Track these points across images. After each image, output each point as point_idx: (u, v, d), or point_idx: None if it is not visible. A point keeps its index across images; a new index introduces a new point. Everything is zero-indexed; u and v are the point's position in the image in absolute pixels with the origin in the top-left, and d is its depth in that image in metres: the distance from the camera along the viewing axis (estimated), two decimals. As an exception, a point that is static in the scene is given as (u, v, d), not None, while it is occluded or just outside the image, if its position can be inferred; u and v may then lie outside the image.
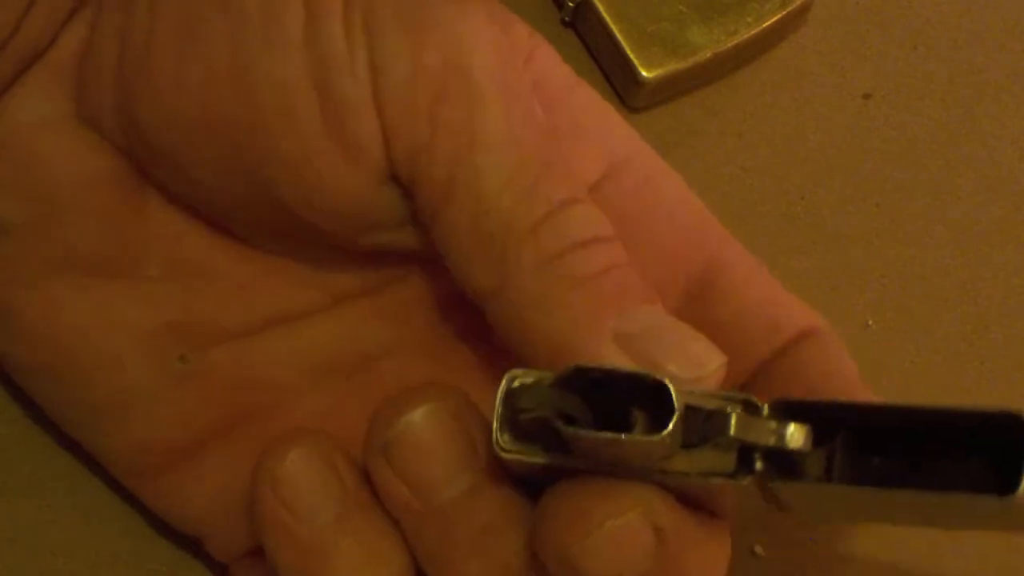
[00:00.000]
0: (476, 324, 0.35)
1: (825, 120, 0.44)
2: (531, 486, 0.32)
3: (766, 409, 0.29)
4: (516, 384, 0.30)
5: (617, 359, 0.31)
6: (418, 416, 0.32)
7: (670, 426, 0.28)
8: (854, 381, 0.33)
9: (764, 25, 0.43)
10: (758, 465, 0.29)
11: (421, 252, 0.34)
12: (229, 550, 0.35)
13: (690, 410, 0.29)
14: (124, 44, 0.33)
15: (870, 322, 0.42)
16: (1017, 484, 0.26)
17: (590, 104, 0.35)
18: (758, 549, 0.38)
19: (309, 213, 0.33)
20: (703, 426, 0.29)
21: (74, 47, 0.34)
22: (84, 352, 0.35)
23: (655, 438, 0.28)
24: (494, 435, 0.30)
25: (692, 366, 0.31)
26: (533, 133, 0.32)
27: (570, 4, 0.43)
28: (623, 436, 0.29)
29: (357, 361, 0.36)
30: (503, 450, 0.30)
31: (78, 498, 0.38)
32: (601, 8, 0.43)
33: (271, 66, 0.32)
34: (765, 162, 0.43)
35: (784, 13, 0.43)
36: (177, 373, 0.35)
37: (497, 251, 0.32)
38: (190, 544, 0.37)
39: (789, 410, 0.29)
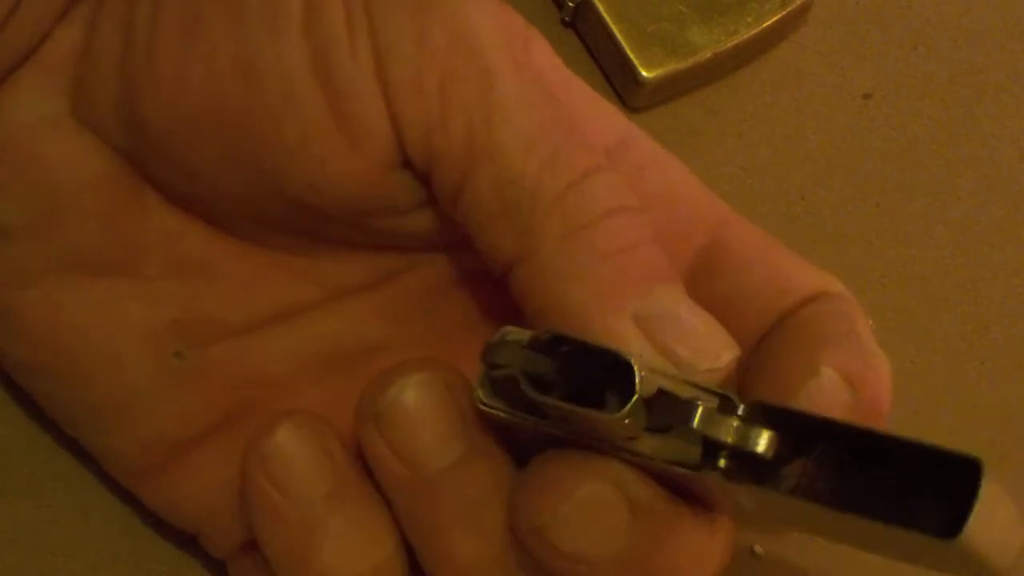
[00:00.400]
0: (473, 318, 0.36)
1: (825, 120, 0.44)
2: (523, 455, 0.32)
3: (741, 408, 0.29)
4: (498, 338, 0.30)
5: (634, 339, 0.31)
6: (409, 386, 0.32)
7: (627, 407, 0.28)
8: (864, 343, 0.33)
9: (764, 25, 0.43)
10: (722, 462, 0.29)
11: (427, 238, 0.34)
12: (225, 545, 0.35)
13: (663, 395, 0.29)
14: (126, 43, 0.33)
15: (870, 322, 0.42)
16: (960, 528, 0.26)
17: (584, 94, 0.35)
18: (758, 549, 0.38)
19: (317, 200, 0.33)
20: (671, 413, 0.29)
21: (69, 46, 0.34)
22: (84, 352, 0.35)
23: (610, 416, 0.28)
24: (475, 388, 0.31)
25: (705, 357, 0.31)
26: (547, 102, 0.32)
27: (570, 4, 0.43)
28: (578, 408, 0.29)
29: (356, 355, 0.36)
30: (482, 403, 0.30)
31: (78, 498, 0.38)
32: (601, 8, 0.43)
33: (274, 56, 0.32)
34: (765, 162, 0.43)
35: (784, 13, 0.43)
36: (177, 371, 0.35)
37: (523, 219, 0.32)
38: (190, 544, 0.37)
39: (765, 413, 0.29)
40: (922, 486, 0.27)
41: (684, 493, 0.31)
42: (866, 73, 0.45)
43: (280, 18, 0.32)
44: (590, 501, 0.30)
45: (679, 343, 0.31)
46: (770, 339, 0.33)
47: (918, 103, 0.45)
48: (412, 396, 0.32)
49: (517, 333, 0.30)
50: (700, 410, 0.29)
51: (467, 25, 0.32)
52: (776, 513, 0.31)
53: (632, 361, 0.28)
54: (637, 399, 0.28)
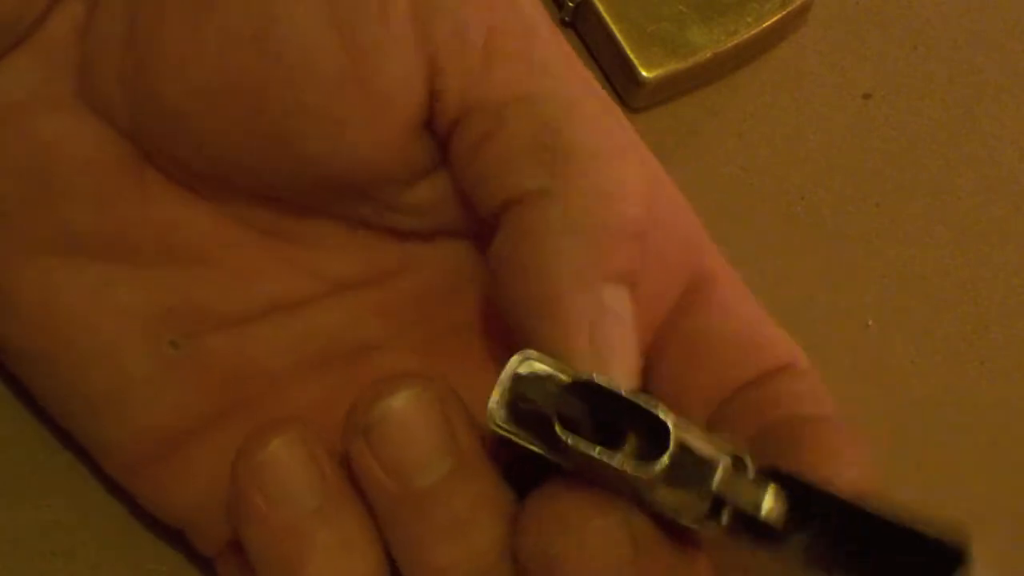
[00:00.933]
0: (470, 322, 0.35)
1: (825, 120, 0.44)
2: (513, 479, 0.32)
3: (751, 468, 0.30)
4: (527, 370, 0.30)
5: (580, 324, 0.31)
6: (399, 400, 0.32)
7: (659, 469, 0.29)
8: (827, 421, 0.33)
9: (764, 25, 0.43)
10: (724, 519, 0.30)
11: (426, 216, 0.34)
12: (213, 541, 0.35)
13: (683, 450, 0.29)
14: (134, 17, 0.33)
15: (870, 322, 0.42)
16: None
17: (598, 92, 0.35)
18: (758, 549, 0.38)
19: (331, 166, 0.33)
20: (688, 468, 0.29)
21: (70, 25, 0.34)
22: (79, 337, 0.34)
23: (643, 475, 0.29)
24: (491, 408, 0.30)
25: (614, 371, 0.31)
26: (584, 69, 0.33)
27: (570, 4, 0.43)
28: (615, 462, 0.29)
29: (352, 353, 0.36)
30: (497, 426, 0.30)
31: (78, 498, 0.37)
32: (601, 8, 0.43)
33: (293, 18, 0.32)
34: (765, 162, 0.43)
35: (784, 13, 0.43)
36: (172, 361, 0.35)
37: (551, 160, 0.32)
38: (190, 544, 0.37)
39: (776, 478, 0.30)
40: (919, 564, 0.28)
41: (671, 527, 0.31)
42: (866, 73, 0.45)
43: None
44: (599, 534, 0.30)
45: (608, 346, 0.31)
46: (767, 420, 0.33)
47: (918, 103, 0.45)
48: (401, 411, 0.32)
49: (541, 363, 0.30)
50: (720, 472, 0.29)
51: None
52: (767, 563, 0.31)
53: (670, 424, 0.29)
54: (669, 457, 0.29)
